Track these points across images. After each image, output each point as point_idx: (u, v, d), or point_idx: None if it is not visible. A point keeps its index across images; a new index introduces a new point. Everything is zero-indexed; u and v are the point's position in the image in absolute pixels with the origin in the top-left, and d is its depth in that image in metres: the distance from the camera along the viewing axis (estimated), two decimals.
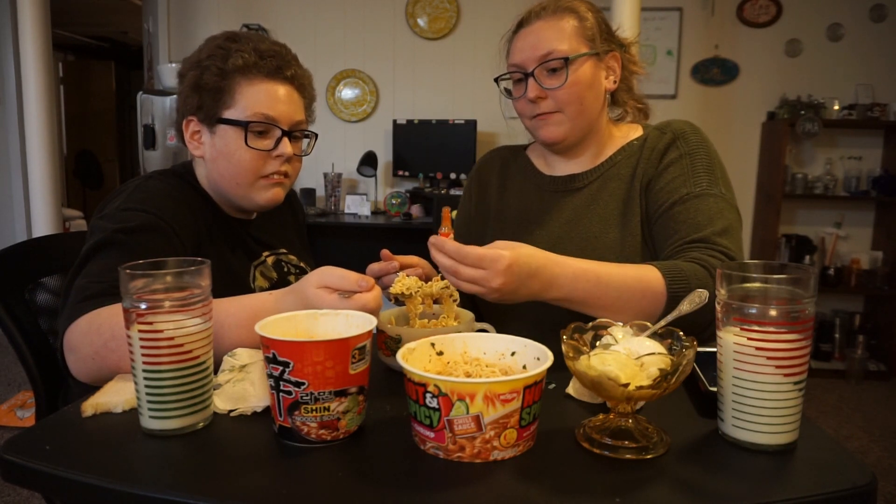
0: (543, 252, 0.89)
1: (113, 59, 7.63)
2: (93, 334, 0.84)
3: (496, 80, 1.20)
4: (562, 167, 1.23)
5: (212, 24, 3.93)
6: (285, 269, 1.24)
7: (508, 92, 1.19)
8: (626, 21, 2.88)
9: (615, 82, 1.17)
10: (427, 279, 1.05)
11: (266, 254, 1.23)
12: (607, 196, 1.16)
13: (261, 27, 3.88)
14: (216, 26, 3.52)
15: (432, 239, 0.86)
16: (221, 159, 1.10)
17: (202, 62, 1.09)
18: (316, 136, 1.21)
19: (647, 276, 0.94)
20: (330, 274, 0.81)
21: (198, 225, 1.09)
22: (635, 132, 1.21)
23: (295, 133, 1.14)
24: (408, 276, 0.97)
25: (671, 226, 1.07)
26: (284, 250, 1.28)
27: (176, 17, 3.98)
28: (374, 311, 0.80)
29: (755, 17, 3.70)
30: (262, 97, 1.08)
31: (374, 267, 1.05)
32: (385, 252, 1.06)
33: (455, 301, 0.96)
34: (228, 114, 1.08)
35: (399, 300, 0.98)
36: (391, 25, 3.90)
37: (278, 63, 1.10)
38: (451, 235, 0.87)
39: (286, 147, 1.10)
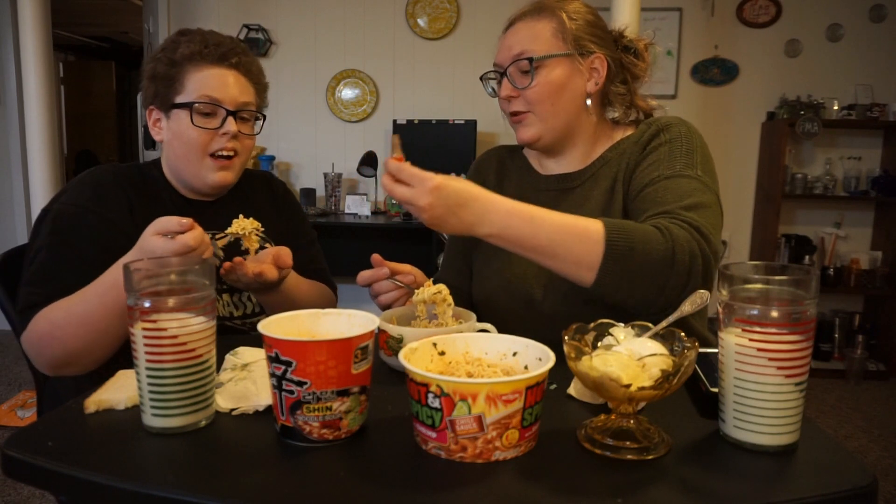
0: (481, 189, 0.90)
1: (113, 59, 7.64)
2: (34, 340, 1.03)
3: (481, 78, 1.22)
4: (553, 167, 1.23)
5: (212, 25, 3.92)
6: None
7: (494, 91, 1.22)
8: (625, 21, 2.88)
9: (597, 84, 1.15)
10: (418, 286, 1.04)
11: (218, 234, 1.22)
12: (598, 194, 1.16)
13: (261, 27, 3.88)
14: (216, 27, 3.52)
15: (385, 160, 0.90)
16: (175, 140, 1.20)
17: (156, 55, 1.21)
18: (264, 117, 1.29)
19: (587, 223, 0.91)
20: (158, 220, 0.94)
21: (132, 204, 1.17)
22: (628, 131, 1.20)
23: (242, 114, 1.21)
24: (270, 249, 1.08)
25: (640, 206, 1.04)
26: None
27: (176, 17, 3.98)
28: (192, 248, 0.92)
29: (755, 17, 3.71)
30: (208, 81, 1.17)
31: (364, 274, 1.05)
32: (376, 257, 1.06)
33: (449, 305, 0.96)
34: (179, 99, 1.18)
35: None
36: (391, 25, 3.90)
37: (223, 51, 1.19)
38: (403, 160, 0.90)
39: (231, 125, 1.19)
